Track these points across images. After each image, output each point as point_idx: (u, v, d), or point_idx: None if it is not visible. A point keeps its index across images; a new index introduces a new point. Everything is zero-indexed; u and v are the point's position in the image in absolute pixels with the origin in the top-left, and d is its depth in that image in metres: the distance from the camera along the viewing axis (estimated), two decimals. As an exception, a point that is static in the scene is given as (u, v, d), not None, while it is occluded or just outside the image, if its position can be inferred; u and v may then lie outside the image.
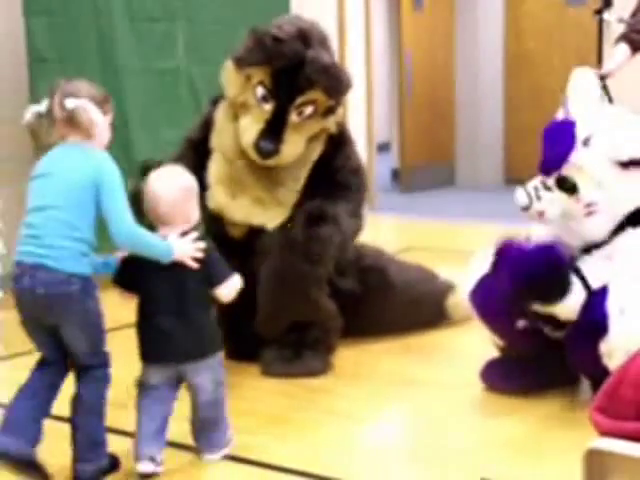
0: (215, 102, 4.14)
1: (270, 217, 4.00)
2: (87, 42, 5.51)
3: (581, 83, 3.75)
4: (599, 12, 7.41)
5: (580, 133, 3.53)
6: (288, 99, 3.89)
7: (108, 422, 3.07)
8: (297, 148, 3.95)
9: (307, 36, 3.93)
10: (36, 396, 2.99)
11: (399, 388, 3.96)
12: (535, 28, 9.93)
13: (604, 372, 3.27)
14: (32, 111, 2.97)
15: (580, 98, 3.70)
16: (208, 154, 4.07)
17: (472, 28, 10.30)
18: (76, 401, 3.00)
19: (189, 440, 3.24)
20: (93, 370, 3.00)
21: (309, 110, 3.93)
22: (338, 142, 4.10)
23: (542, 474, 3.07)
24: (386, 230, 8.04)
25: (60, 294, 2.87)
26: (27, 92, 5.32)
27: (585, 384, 3.71)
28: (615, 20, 7.40)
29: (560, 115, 3.71)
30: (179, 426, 3.20)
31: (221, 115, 4.06)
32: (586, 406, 3.53)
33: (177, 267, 3.02)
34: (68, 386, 3.07)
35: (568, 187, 3.52)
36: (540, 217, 3.59)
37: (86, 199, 2.89)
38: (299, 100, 3.89)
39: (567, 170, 3.52)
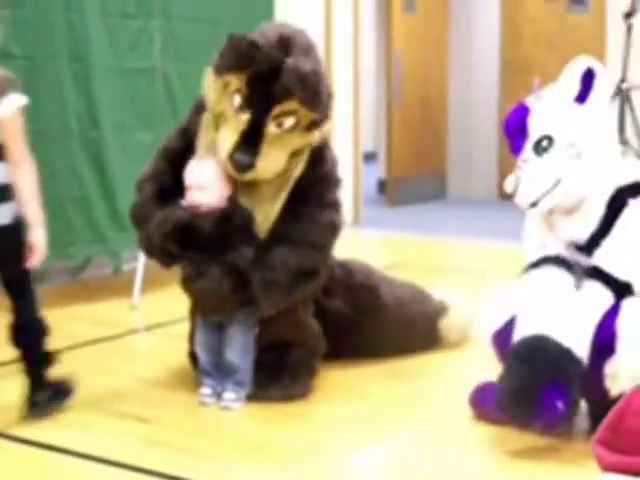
0: (198, 110, 4.09)
1: None
2: (57, 38, 5.47)
3: (572, 74, 3.70)
4: (629, 16, 7.52)
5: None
6: (265, 108, 3.84)
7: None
8: (276, 162, 3.89)
9: (288, 42, 3.87)
10: None
11: (383, 414, 3.93)
12: (534, 34, 9.97)
13: (604, 396, 3.27)
14: None
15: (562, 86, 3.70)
16: (185, 164, 4.03)
17: (467, 32, 10.32)
18: None
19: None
20: None
21: (290, 122, 3.87)
22: (317, 156, 4.03)
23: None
24: (372, 245, 8.03)
25: None
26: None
27: (583, 416, 3.66)
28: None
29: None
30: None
31: (204, 126, 4.02)
32: (584, 438, 3.54)
33: None
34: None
35: (544, 145, 3.60)
36: (534, 206, 3.75)
37: None
38: (276, 110, 3.84)
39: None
